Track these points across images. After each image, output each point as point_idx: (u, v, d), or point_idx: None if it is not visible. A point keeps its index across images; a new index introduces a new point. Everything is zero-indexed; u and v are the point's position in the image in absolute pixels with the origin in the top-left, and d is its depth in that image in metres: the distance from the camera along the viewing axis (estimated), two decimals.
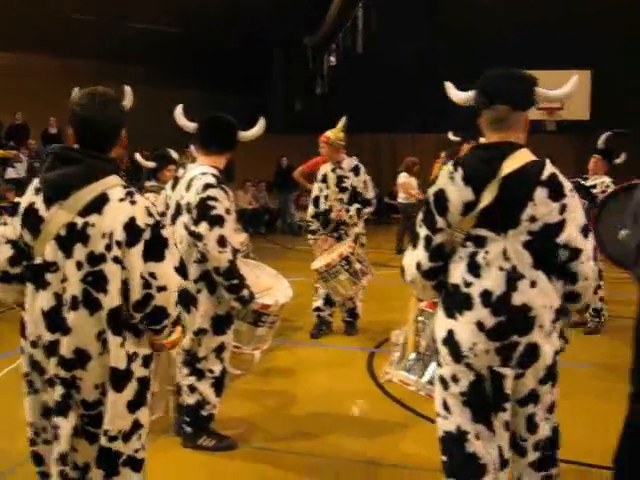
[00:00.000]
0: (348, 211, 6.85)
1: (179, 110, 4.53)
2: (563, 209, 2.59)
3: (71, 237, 2.57)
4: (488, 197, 2.57)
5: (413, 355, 3.48)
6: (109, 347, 2.61)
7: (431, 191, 2.73)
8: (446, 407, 2.76)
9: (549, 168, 2.62)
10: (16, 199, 11.36)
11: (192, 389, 4.25)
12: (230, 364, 4.41)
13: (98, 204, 2.56)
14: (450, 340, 2.69)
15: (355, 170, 6.99)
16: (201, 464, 4.20)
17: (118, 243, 2.56)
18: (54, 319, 2.61)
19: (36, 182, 2.68)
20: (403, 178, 13.33)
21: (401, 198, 13.51)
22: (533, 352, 2.64)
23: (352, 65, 17.59)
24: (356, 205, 6.87)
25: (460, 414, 2.71)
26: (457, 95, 2.99)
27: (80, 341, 2.59)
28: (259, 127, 4.54)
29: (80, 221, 2.56)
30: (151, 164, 6.91)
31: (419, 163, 13.27)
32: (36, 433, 2.78)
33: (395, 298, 9.03)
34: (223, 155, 4.33)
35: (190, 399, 4.26)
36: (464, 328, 2.64)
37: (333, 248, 6.70)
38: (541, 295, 2.62)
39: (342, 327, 7.36)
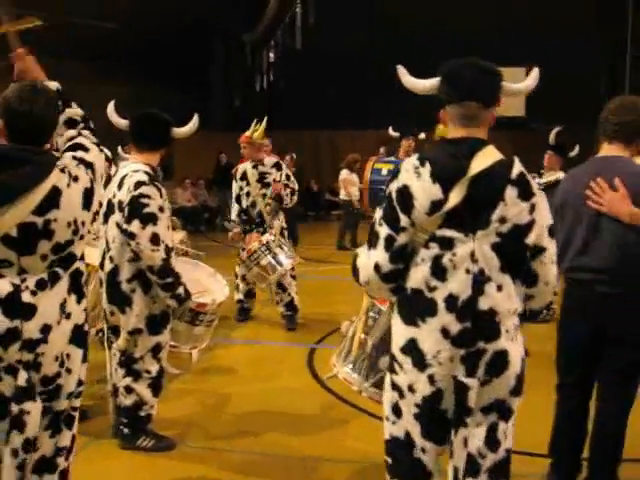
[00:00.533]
0: (268, 205, 7.27)
1: (111, 107, 4.47)
2: (532, 209, 2.46)
3: (28, 236, 2.57)
4: (457, 196, 2.40)
5: (359, 352, 3.43)
6: (70, 309, 2.70)
7: (393, 187, 2.50)
8: (396, 412, 2.61)
9: (518, 166, 2.48)
10: None
11: (129, 390, 4.19)
12: (168, 364, 4.38)
13: (54, 199, 2.60)
14: (411, 348, 2.51)
15: (277, 166, 7.41)
16: (140, 465, 4.15)
17: (83, 223, 2.70)
18: (14, 306, 2.59)
19: None
20: (344, 175, 13.43)
21: (342, 195, 13.60)
22: (502, 359, 2.47)
23: (291, 61, 17.63)
24: (288, 190, 7.38)
25: (410, 423, 2.57)
26: (413, 82, 2.71)
27: (46, 318, 2.63)
28: (193, 124, 4.51)
29: (39, 220, 2.57)
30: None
31: (360, 160, 13.34)
32: None
33: (335, 293, 9.12)
34: (156, 152, 4.28)
35: (127, 400, 4.21)
36: (427, 336, 2.47)
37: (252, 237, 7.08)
38: (507, 299, 2.48)
39: (280, 324, 7.37)
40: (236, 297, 7.45)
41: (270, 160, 7.46)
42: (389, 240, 2.50)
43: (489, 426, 2.52)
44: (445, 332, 2.45)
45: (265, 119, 7.31)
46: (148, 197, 3.97)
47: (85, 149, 2.81)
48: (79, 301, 2.76)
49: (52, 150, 2.83)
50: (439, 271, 2.45)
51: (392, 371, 2.62)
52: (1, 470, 2.67)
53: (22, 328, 2.59)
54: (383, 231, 2.51)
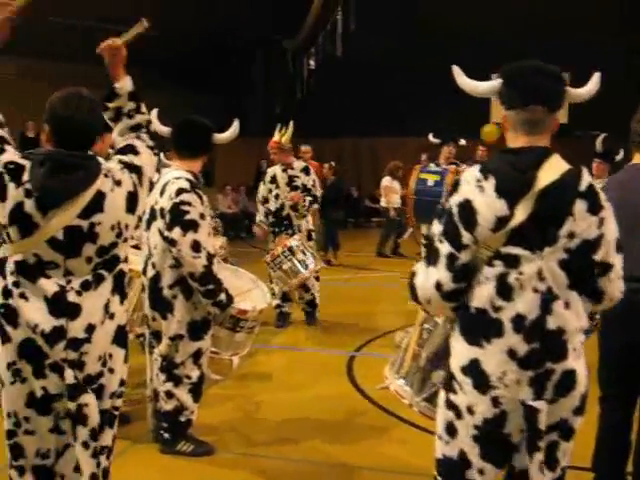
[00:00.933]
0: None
1: (154, 114, 4.50)
2: (601, 223, 2.33)
3: (74, 239, 2.63)
4: (523, 212, 2.27)
5: (412, 365, 3.35)
6: (113, 309, 2.74)
7: (454, 201, 2.37)
8: (451, 432, 2.50)
9: (586, 177, 2.34)
10: None
11: (170, 395, 4.22)
12: (209, 370, 4.39)
13: (98, 203, 2.64)
14: (474, 369, 2.39)
15: (305, 170, 7.65)
16: (180, 470, 4.16)
17: (127, 226, 2.74)
18: (60, 305, 2.64)
19: (27, 184, 2.59)
20: (386, 182, 13.32)
21: (383, 202, 13.46)
22: (570, 379, 2.37)
23: (332, 68, 17.62)
24: (308, 198, 7.50)
25: (467, 444, 2.46)
26: (470, 84, 2.58)
27: (90, 318, 2.67)
28: (233, 129, 4.53)
29: (84, 223, 2.62)
30: None
31: (402, 167, 13.25)
32: (17, 424, 2.75)
33: (374, 300, 9.08)
34: (198, 159, 4.31)
35: (168, 405, 4.23)
36: (492, 357, 2.36)
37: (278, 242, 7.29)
38: (574, 317, 2.36)
39: (320, 331, 7.37)
40: (274, 302, 7.47)
41: (300, 164, 7.73)
42: (451, 258, 2.37)
43: (548, 445, 2.40)
44: (512, 353, 2.34)
45: (291, 123, 7.50)
46: (189, 204, 3.99)
47: (136, 152, 2.82)
48: (122, 302, 2.80)
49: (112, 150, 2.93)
50: (505, 290, 2.33)
51: (449, 390, 2.50)
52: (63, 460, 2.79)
53: (67, 327, 2.63)
54: (444, 248, 2.38)
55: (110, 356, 2.76)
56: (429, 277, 2.43)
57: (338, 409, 5.19)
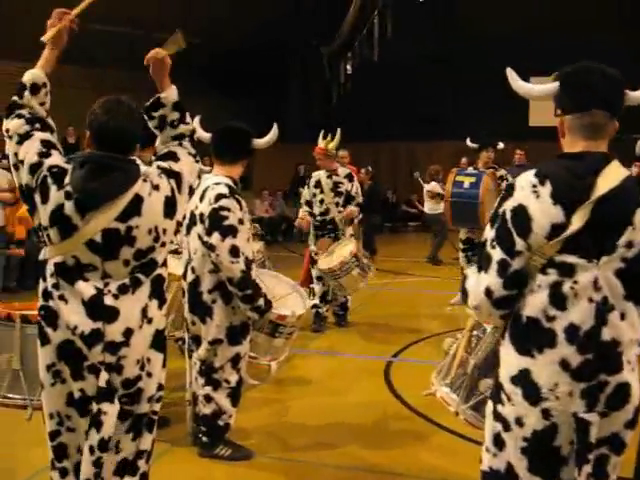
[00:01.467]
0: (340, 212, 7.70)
1: (196, 121, 4.53)
2: None
3: (112, 241, 2.65)
4: (580, 220, 2.20)
5: (459, 372, 3.29)
6: (151, 314, 2.75)
7: (508, 206, 2.31)
8: (498, 444, 2.43)
9: None
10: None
11: (208, 399, 4.24)
12: (247, 374, 4.40)
13: (136, 206, 2.67)
14: (524, 380, 2.33)
15: (349, 177, 7.86)
16: (218, 474, 4.18)
17: (164, 230, 2.74)
18: (97, 308, 2.66)
19: (67, 186, 2.64)
20: (434, 186, 12.91)
21: (428, 208, 12.93)
22: (623, 392, 2.29)
23: (368, 73, 17.59)
24: (356, 208, 7.77)
25: (515, 457, 2.39)
26: (525, 87, 2.52)
27: (128, 322, 2.69)
28: (272, 134, 4.55)
29: (122, 226, 2.64)
30: None
31: (441, 170, 13.05)
32: (60, 422, 2.78)
33: (413, 306, 9.03)
34: (237, 164, 4.33)
35: (206, 409, 4.25)
36: (544, 367, 2.29)
37: (334, 248, 7.42)
38: (630, 328, 2.29)
39: (357, 336, 7.35)
40: (311, 302, 7.47)
41: (344, 170, 7.91)
42: (503, 264, 2.31)
43: (598, 458, 2.32)
44: (565, 364, 2.27)
45: (339, 131, 7.60)
46: (228, 210, 4.02)
47: (175, 159, 2.84)
48: (160, 306, 2.80)
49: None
50: (559, 299, 2.26)
51: (497, 401, 2.43)
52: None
53: (104, 330, 2.65)
54: (496, 254, 2.32)
55: (148, 360, 2.76)
56: (480, 283, 2.38)
57: (376, 415, 5.17)
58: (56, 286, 2.68)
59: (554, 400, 2.29)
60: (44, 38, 2.89)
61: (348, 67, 16.68)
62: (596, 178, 2.23)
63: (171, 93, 2.90)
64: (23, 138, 2.76)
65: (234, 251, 3.98)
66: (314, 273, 7.75)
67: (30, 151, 2.73)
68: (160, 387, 2.87)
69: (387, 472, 4.24)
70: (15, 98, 2.83)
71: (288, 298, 4.59)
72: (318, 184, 7.76)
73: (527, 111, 17.76)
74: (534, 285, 2.30)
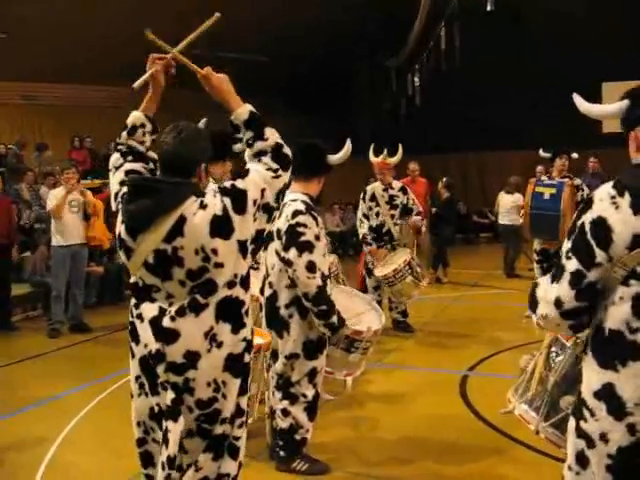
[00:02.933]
0: (396, 224, 8.05)
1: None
2: None
3: (162, 262, 2.69)
4: None
5: (538, 389, 3.25)
6: (221, 338, 2.72)
7: (587, 218, 2.30)
8: (582, 463, 2.40)
9: None
10: None
11: (285, 413, 4.28)
12: (323, 389, 4.43)
13: (179, 227, 2.66)
14: (608, 394, 2.29)
15: (403, 190, 8.19)
16: None
17: (214, 251, 2.66)
18: (156, 329, 2.73)
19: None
20: (520, 200, 12.49)
21: (507, 220, 12.36)
22: None
23: (437, 84, 17.51)
24: (419, 217, 8.15)
25: (600, 475, 2.34)
26: (595, 109, 2.57)
27: (189, 344, 2.70)
28: (346, 149, 4.60)
29: (168, 247, 2.67)
30: None
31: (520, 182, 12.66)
32: (146, 431, 2.88)
33: (486, 319, 8.90)
34: (314, 180, 4.38)
35: (283, 423, 4.30)
36: (628, 381, 2.25)
37: (391, 257, 7.76)
38: None
39: (432, 350, 7.33)
40: None
41: (397, 184, 8.25)
42: (577, 275, 2.31)
43: None
44: None
45: (400, 146, 8.02)
46: (305, 226, 4.07)
47: (244, 176, 2.78)
48: (235, 331, 2.76)
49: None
50: None
51: (580, 417, 2.40)
52: None
53: (165, 351, 2.70)
54: (571, 265, 2.33)
55: (224, 383, 2.76)
56: (550, 292, 2.38)
57: (451, 429, 5.12)
58: (136, 305, 2.81)
59: (639, 415, 2.24)
60: (135, 85, 3.03)
61: (416, 79, 16.62)
62: None
63: (240, 113, 2.85)
64: (116, 169, 2.96)
65: (310, 267, 4.02)
66: (370, 283, 8.09)
67: (115, 181, 2.93)
68: (240, 412, 2.85)
69: None
70: (118, 138, 3.05)
71: (364, 314, 4.61)
72: (373, 197, 8.09)
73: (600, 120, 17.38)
74: (615, 297, 2.28)
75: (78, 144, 15.21)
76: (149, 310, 2.74)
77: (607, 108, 2.51)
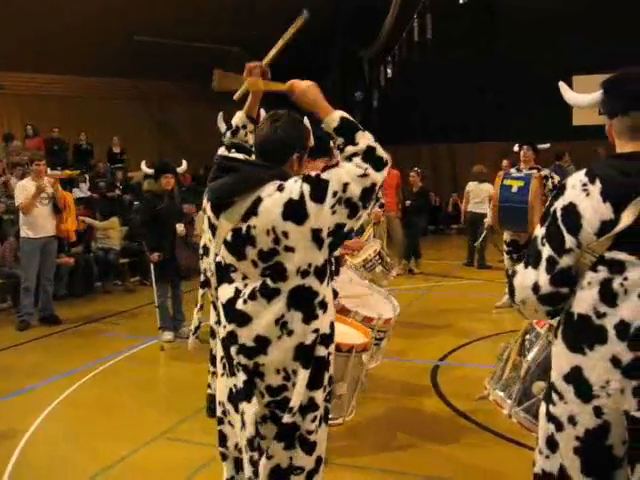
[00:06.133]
0: None
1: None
2: None
3: (238, 241, 2.73)
4: (629, 217, 2.23)
5: (512, 375, 3.29)
6: (292, 326, 2.70)
7: (558, 204, 2.36)
8: (551, 446, 2.42)
9: None
10: (86, 218, 11.60)
11: None
12: None
13: (255, 207, 2.70)
14: (576, 377, 2.33)
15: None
16: None
17: (284, 233, 2.66)
18: (230, 311, 2.76)
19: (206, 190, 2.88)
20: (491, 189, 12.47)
21: (482, 208, 12.17)
22: None
23: (409, 76, 17.56)
24: (377, 208, 7.98)
25: (568, 458, 2.38)
26: (576, 98, 2.62)
27: (260, 329, 2.71)
28: None
29: (243, 226, 2.71)
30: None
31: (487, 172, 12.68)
32: (224, 412, 2.92)
33: (457, 309, 8.98)
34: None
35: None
36: (595, 364, 2.29)
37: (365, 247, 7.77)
38: None
39: (403, 340, 7.36)
40: None
41: None
42: (551, 261, 2.35)
43: None
44: (615, 361, 2.26)
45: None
46: None
47: (331, 168, 2.73)
48: (307, 321, 2.72)
49: None
50: (609, 296, 2.28)
51: (549, 401, 2.43)
52: None
53: (237, 333, 2.74)
54: (545, 251, 2.37)
55: (294, 372, 2.73)
56: (528, 278, 2.41)
57: (424, 419, 5.17)
58: (217, 286, 2.87)
59: (605, 397, 2.28)
60: (235, 97, 3.14)
61: (388, 71, 16.64)
62: None
63: (329, 121, 2.79)
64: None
65: None
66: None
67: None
68: (313, 406, 2.76)
69: (435, 477, 4.25)
70: (223, 137, 3.21)
71: (378, 304, 4.66)
72: None
73: (570, 110, 17.55)
74: (584, 283, 2.32)
75: (31, 132, 15.08)
76: (227, 291, 2.78)
77: (585, 98, 2.57)
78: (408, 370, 6.45)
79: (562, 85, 2.67)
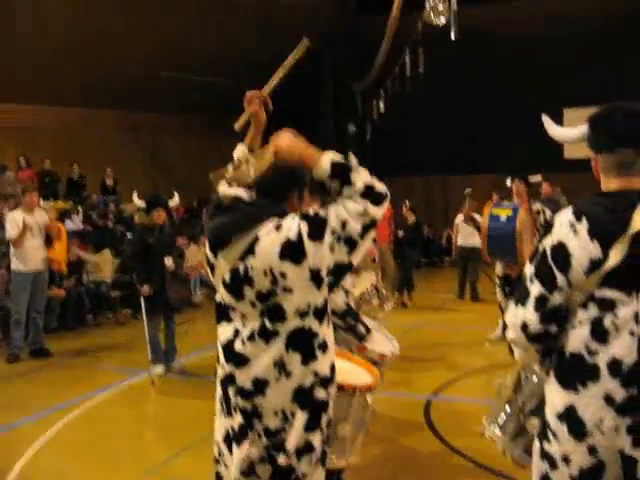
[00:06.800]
0: None
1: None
2: None
3: (236, 282, 2.69)
4: (617, 254, 2.23)
5: (508, 411, 3.25)
6: (290, 368, 2.65)
7: (547, 242, 2.36)
8: None
9: None
10: (81, 252, 11.56)
11: None
12: None
13: (252, 247, 2.65)
14: (569, 416, 2.32)
15: None
16: None
17: (282, 274, 2.60)
18: (229, 352, 2.72)
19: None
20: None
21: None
22: None
23: (401, 109, 17.69)
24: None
25: None
26: (560, 132, 2.62)
27: (258, 371, 2.66)
28: None
29: (241, 266, 2.67)
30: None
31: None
32: (219, 453, 2.86)
33: (450, 343, 8.94)
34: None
35: None
36: (589, 402, 2.28)
37: (360, 279, 7.66)
38: None
39: (396, 374, 7.30)
40: None
41: None
42: (541, 299, 2.34)
43: None
44: (609, 399, 2.25)
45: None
46: None
47: (329, 206, 2.65)
48: (305, 362, 2.67)
49: None
50: (600, 334, 2.27)
51: (543, 439, 2.41)
52: None
53: (235, 375, 2.70)
54: (535, 289, 2.35)
55: (292, 414, 2.68)
56: (517, 316, 2.40)
57: (417, 455, 5.11)
58: (217, 325, 2.82)
59: (599, 436, 2.26)
60: (236, 126, 3.09)
61: (381, 104, 16.77)
62: (632, 213, 2.25)
63: (319, 168, 2.64)
64: None
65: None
66: None
67: None
68: (309, 448, 2.69)
69: None
70: (225, 171, 3.05)
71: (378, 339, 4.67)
72: None
73: (561, 144, 17.71)
74: (575, 321, 2.31)
75: (24, 164, 15.11)
76: (226, 331, 2.75)
77: (569, 132, 2.56)
78: (402, 405, 6.39)
79: (546, 119, 2.65)
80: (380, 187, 2.66)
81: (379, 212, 2.64)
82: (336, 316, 4.11)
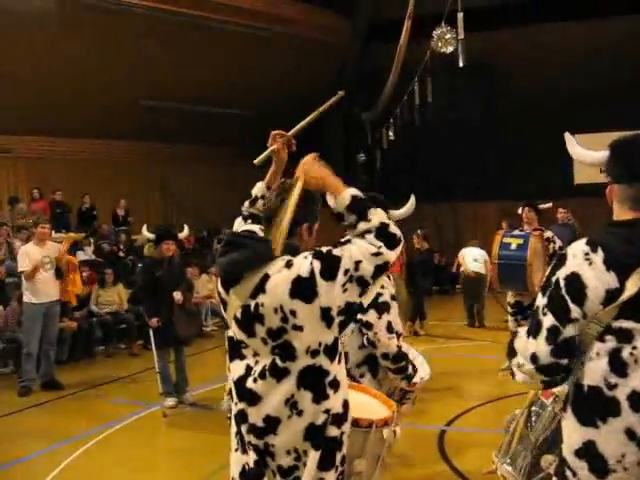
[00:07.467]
0: None
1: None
2: None
3: (248, 318, 2.67)
4: (634, 285, 2.19)
5: (519, 448, 3.21)
6: (302, 406, 2.63)
7: (561, 274, 2.30)
8: None
9: None
10: (94, 289, 11.55)
11: None
12: None
13: (263, 284, 2.63)
14: (589, 452, 2.25)
15: None
16: None
17: (292, 312, 2.58)
18: (241, 389, 2.70)
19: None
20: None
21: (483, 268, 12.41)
22: None
23: (410, 137, 17.76)
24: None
25: None
26: (582, 153, 2.58)
27: (270, 408, 2.64)
28: (410, 205, 5.15)
29: (252, 303, 2.65)
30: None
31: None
32: None
33: (464, 372, 8.86)
34: None
35: None
36: (609, 438, 2.22)
37: None
38: None
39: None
40: None
41: None
42: (553, 331, 2.28)
43: None
44: (631, 434, 2.19)
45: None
46: (382, 287, 4.06)
47: (343, 244, 2.63)
48: (317, 400, 2.64)
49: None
50: (619, 366, 2.21)
51: (562, 477, 2.32)
52: None
53: (247, 412, 2.68)
54: (547, 321, 2.29)
55: (305, 453, 2.66)
56: (527, 348, 2.35)
57: None
58: (230, 361, 2.80)
59: (622, 472, 2.20)
60: (256, 161, 3.15)
61: (390, 133, 16.83)
62: None
63: (339, 201, 2.66)
64: None
65: (390, 327, 4.02)
66: None
67: None
68: None
69: None
70: (242, 206, 3.20)
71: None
72: None
73: (572, 169, 17.71)
74: (592, 353, 2.25)
75: (38, 195, 15.23)
76: (238, 368, 2.73)
77: (592, 155, 2.52)
78: (415, 436, 6.31)
79: (568, 137, 2.60)
80: (394, 229, 2.66)
81: (393, 255, 2.62)
82: (389, 360, 4.06)
